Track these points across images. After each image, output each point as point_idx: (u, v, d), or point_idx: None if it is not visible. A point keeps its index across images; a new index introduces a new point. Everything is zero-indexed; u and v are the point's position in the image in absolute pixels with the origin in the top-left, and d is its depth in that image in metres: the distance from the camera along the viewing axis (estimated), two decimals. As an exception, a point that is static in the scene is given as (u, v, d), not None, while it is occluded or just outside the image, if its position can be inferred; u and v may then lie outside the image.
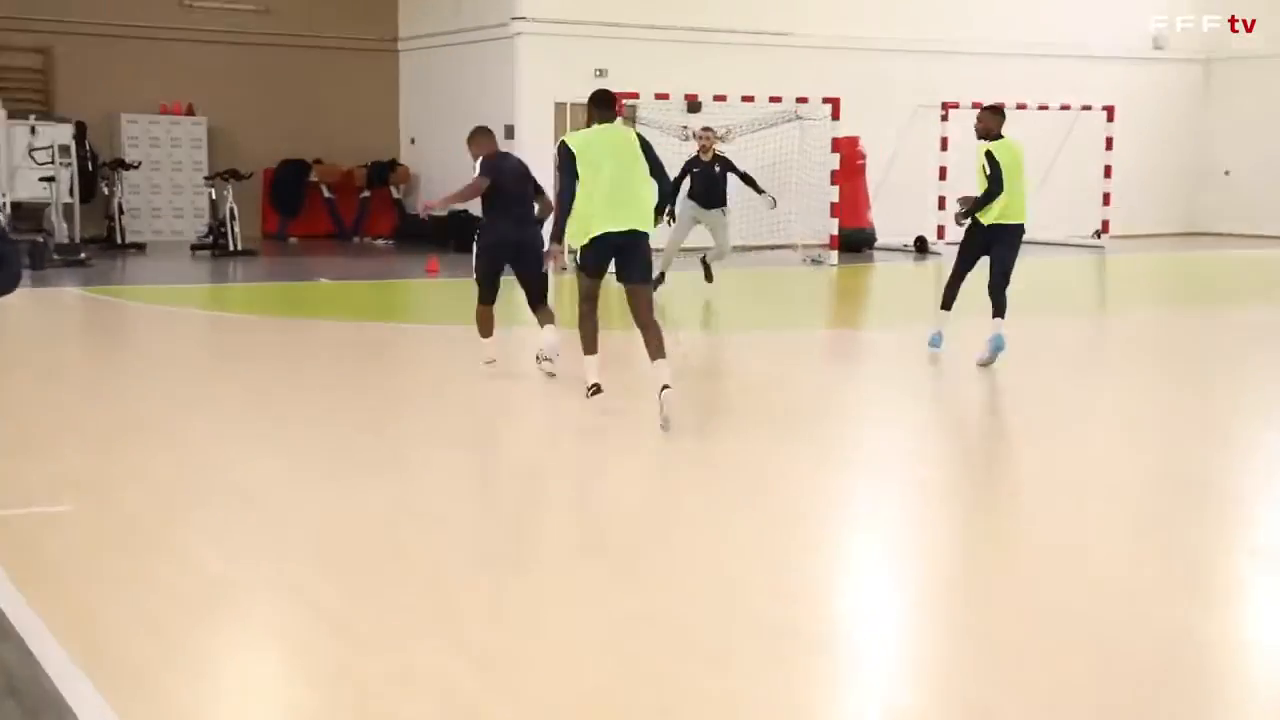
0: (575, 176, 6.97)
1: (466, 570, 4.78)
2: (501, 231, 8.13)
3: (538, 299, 8.22)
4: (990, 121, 9.72)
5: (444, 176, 19.87)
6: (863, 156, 19.12)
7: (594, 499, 5.99)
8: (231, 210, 16.99)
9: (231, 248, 16.92)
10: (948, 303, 9.34)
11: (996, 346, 8.85)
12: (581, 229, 6.97)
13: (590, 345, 7.21)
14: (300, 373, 9.05)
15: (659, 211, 7.48)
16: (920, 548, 5.20)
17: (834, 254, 17.22)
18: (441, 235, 18.19)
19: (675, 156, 18.04)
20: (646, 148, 7.19)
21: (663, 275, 13.23)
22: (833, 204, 17.08)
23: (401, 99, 20.80)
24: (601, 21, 18.19)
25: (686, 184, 13.95)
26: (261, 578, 4.66)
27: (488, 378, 8.29)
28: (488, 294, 8.15)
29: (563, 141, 7.14)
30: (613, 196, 6.90)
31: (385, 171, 20.20)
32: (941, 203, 18.98)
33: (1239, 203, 22.77)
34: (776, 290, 14.59)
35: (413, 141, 20.62)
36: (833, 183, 17.12)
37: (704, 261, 13.90)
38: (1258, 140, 22.51)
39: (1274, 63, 22.17)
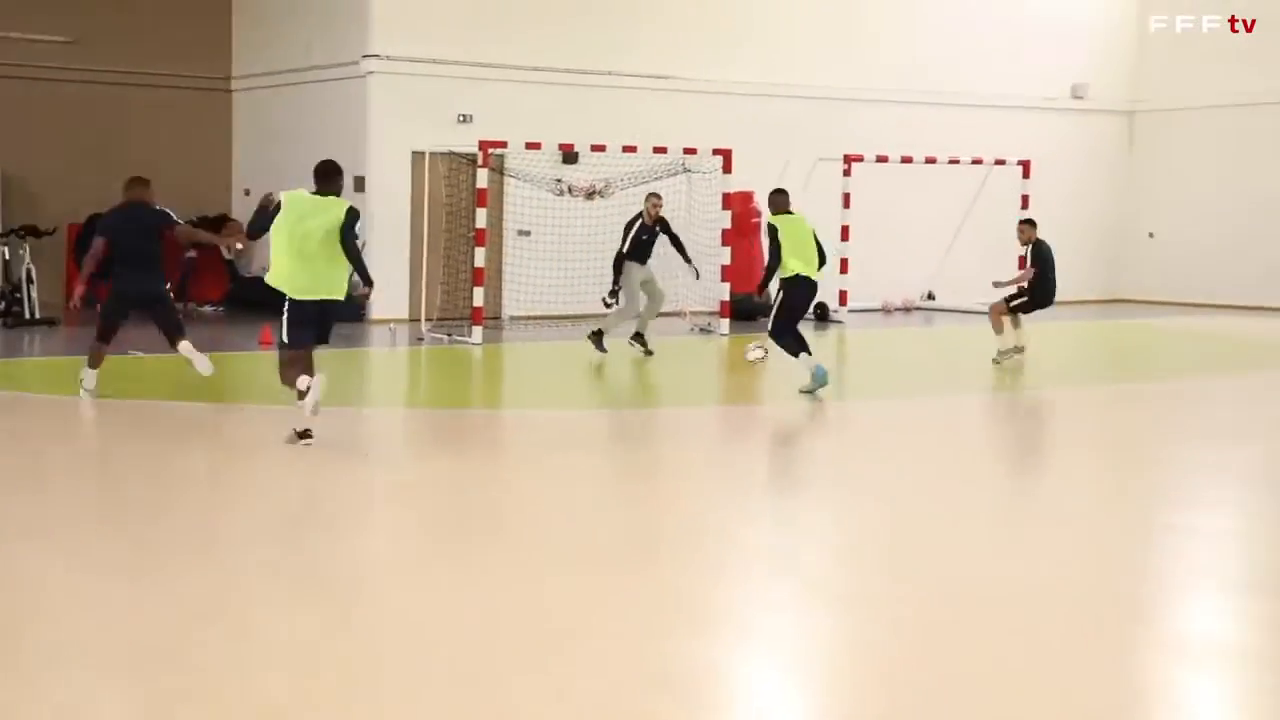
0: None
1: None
2: (126, 283, 10.86)
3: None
4: (776, 201, 12.31)
5: (283, 233, 19.69)
6: (758, 214, 19.44)
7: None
8: (28, 272, 16.60)
9: (27, 316, 16.50)
10: (804, 347, 11.97)
11: (820, 377, 11.61)
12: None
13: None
14: (86, 458, 8.83)
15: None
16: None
17: (725, 322, 17.45)
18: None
19: (549, 212, 18.41)
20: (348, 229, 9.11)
21: (601, 336, 15.03)
22: (723, 267, 17.35)
23: (235, 145, 20.63)
24: (465, 61, 18.35)
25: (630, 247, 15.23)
26: None
27: (289, 459, 8.19)
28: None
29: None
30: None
31: (214, 227, 19.91)
32: (844, 265, 19.42)
33: (1163, 267, 23.74)
34: (659, 362, 14.71)
35: (247, 193, 20.41)
36: (723, 243, 17.40)
37: (640, 338, 15.18)
38: (1183, 200, 23.55)
39: (1200, 116, 23.30)
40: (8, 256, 17.67)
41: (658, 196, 15.42)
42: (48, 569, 6.17)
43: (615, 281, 14.90)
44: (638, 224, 15.05)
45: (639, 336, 15.13)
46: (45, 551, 6.52)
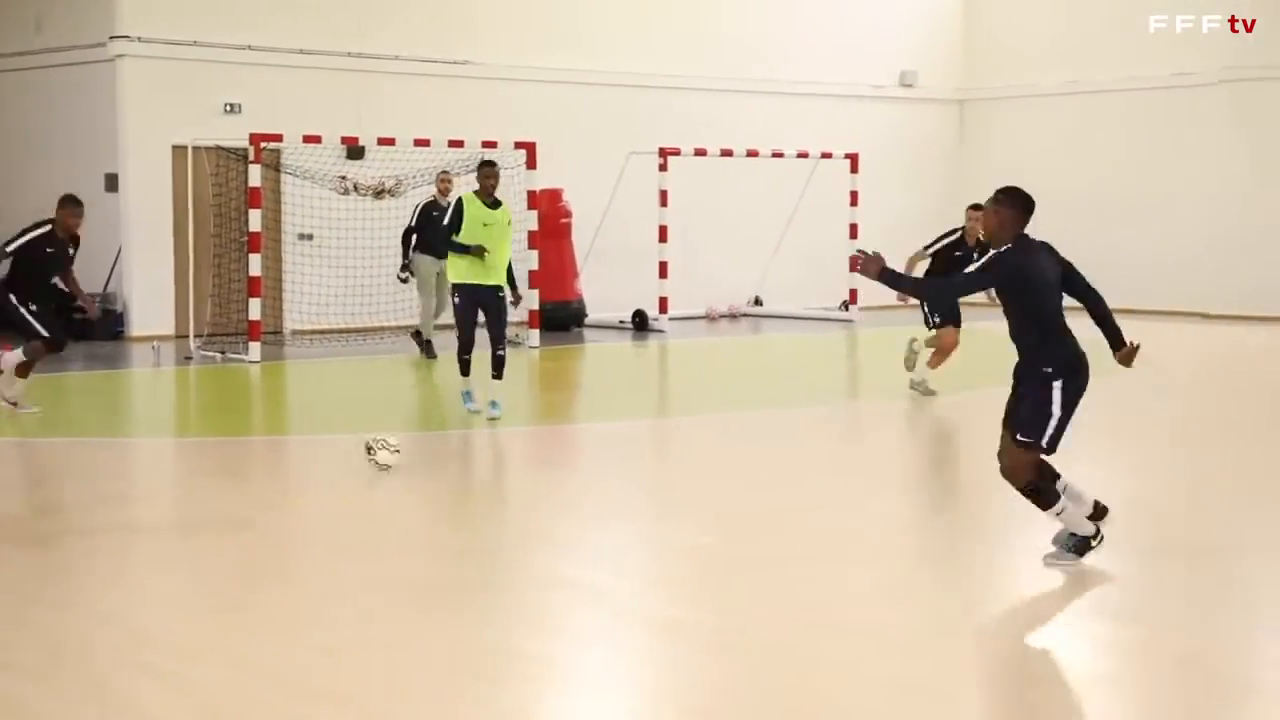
0: None
1: None
2: None
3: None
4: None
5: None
6: (568, 213, 19.42)
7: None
8: None
9: None
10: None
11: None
12: None
13: None
14: None
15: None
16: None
17: (534, 333, 17.33)
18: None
19: (334, 213, 18.01)
20: None
21: (430, 344, 15.64)
22: (530, 272, 17.22)
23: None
24: (232, 44, 17.84)
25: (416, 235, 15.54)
26: None
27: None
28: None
29: None
30: None
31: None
32: (663, 269, 19.50)
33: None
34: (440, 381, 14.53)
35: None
36: (530, 245, 17.28)
37: (420, 336, 15.75)
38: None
39: (1032, 104, 24.12)
40: None
41: (448, 174, 15.72)
42: None
43: (405, 256, 15.45)
44: (425, 202, 15.53)
45: (417, 335, 15.80)
46: None
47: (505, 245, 11.48)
